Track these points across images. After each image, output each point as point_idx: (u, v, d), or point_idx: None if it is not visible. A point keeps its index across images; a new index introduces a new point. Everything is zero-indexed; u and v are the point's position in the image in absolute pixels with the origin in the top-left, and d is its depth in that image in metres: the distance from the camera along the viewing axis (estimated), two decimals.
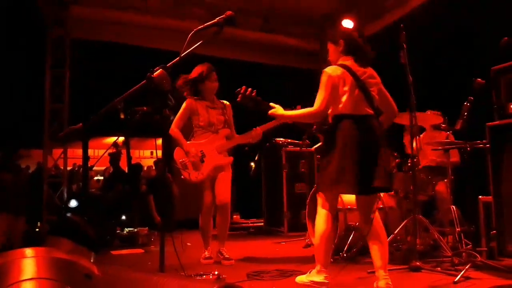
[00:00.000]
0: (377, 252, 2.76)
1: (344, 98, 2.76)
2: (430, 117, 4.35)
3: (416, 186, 4.12)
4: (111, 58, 7.49)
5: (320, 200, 2.91)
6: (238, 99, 3.00)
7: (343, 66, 2.83)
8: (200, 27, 2.35)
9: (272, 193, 6.64)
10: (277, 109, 2.97)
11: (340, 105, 2.77)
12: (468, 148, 3.69)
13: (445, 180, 4.42)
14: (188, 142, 4.05)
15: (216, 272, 2.81)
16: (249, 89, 2.99)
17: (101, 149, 13.72)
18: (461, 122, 3.91)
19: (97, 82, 7.48)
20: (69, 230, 5.13)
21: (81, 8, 6.63)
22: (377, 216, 2.86)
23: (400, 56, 3.82)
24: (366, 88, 2.79)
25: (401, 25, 3.81)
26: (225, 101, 4.23)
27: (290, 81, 8.60)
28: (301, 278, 2.98)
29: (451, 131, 4.44)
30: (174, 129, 3.99)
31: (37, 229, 5.78)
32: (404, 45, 3.82)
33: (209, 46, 2.47)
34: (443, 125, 4.55)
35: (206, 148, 4.02)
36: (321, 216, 2.87)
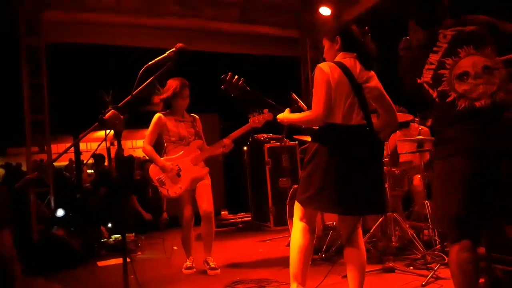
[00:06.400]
0: (353, 280, 2.51)
1: (336, 105, 2.42)
2: (399, 116, 4.37)
3: (391, 184, 4.21)
4: (89, 60, 7.42)
5: (298, 211, 2.61)
6: (222, 86, 2.71)
7: (340, 65, 2.46)
8: (150, 63, 2.33)
9: (258, 188, 6.71)
10: (284, 114, 2.64)
11: (331, 112, 2.43)
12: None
13: (419, 175, 4.49)
14: (161, 158, 4.05)
15: None
16: (236, 76, 2.70)
17: (92, 142, 13.71)
18: (432, 119, 3.96)
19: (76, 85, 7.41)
20: (55, 246, 5.16)
21: (54, 12, 6.54)
22: (360, 238, 2.58)
23: None
24: (362, 94, 2.46)
25: (366, 27, 3.78)
26: (194, 114, 4.23)
27: (272, 69, 8.59)
28: None
29: (422, 127, 4.48)
30: (146, 147, 3.99)
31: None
32: None
33: (188, 41, 2.36)
34: (416, 119, 4.59)
35: (181, 162, 4.03)
36: (298, 229, 2.57)
